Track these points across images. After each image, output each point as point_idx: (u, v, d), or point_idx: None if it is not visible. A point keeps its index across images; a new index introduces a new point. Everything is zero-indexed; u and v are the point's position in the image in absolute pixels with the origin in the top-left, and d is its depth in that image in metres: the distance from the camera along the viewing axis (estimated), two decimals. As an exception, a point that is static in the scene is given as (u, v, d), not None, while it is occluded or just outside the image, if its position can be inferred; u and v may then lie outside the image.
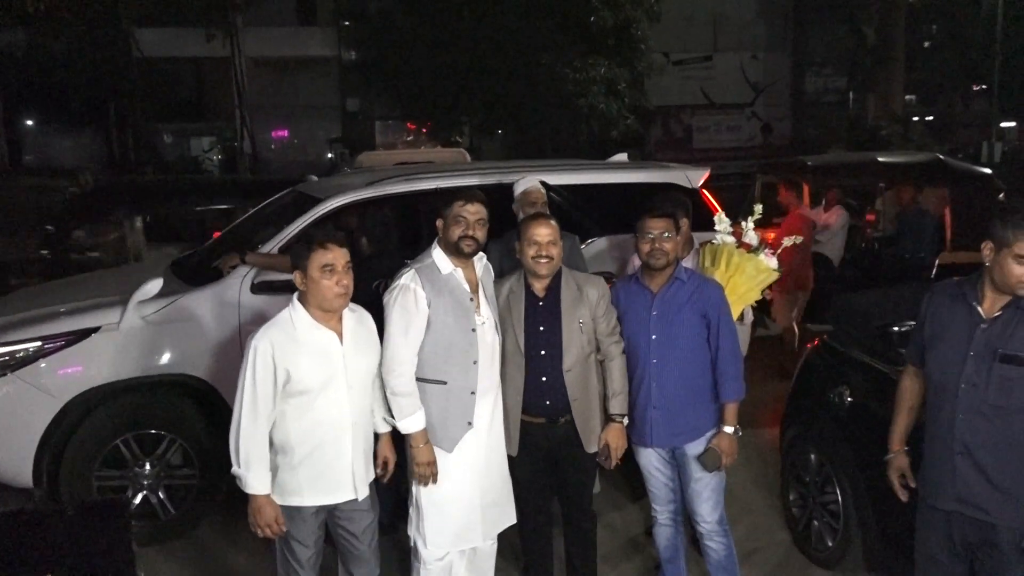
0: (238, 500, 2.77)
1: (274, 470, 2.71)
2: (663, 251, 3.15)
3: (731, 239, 3.68)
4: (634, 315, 3.21)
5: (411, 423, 2.93)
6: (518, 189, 4.07)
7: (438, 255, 3.04)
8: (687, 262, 3.66)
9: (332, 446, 2.75)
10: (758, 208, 3.76)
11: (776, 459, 4.25)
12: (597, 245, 4.53)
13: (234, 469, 2.67)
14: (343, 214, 4.24)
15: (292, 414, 2.70)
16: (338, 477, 2.78)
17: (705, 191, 4.85)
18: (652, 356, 3.17)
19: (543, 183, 4.11)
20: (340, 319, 2.77)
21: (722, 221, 3.75)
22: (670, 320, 3.16)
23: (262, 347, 2.62)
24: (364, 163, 9.68)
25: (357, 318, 2.84)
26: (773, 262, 3.66)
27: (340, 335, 2.75)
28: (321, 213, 4.25)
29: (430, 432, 2.98)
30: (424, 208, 4.35)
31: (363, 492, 2.84)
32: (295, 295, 2.75)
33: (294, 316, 2.71)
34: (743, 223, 3.72)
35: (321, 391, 2.69)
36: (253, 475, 2.64)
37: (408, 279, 2.96)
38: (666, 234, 3.16)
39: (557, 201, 4.51)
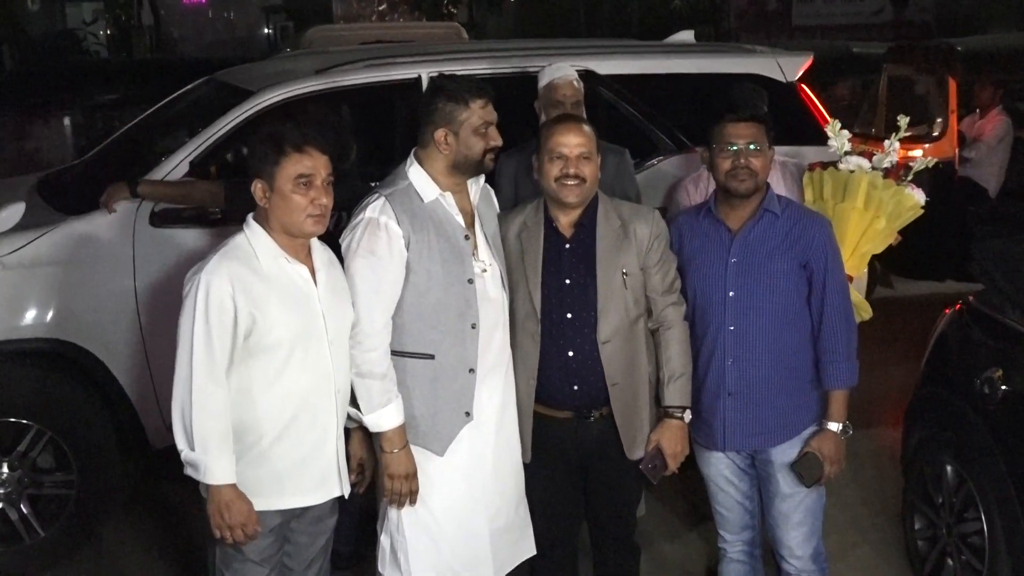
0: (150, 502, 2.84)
1: None
2: (750, 170, 3.16)
3: (865, 162, 3.69)
4: (703, 263, 3.24)
5: (384, 417, 2.96)
6: (543, 80, 4.07)
7: (417, 175, 3.05)
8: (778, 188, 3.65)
9: (313, 423, 2.86)
10: (904, 120, 3.76)
11: (896, 471, 4.25)
12: (661, 169, 4.55)
13: (185, 454, 2.72)
14: (281, 115, 4.23)
15: (257, 380, 2.78)
16: (323, 467, 2.90)
17: (806, 87, 4.83)
18: (728, 322, 3.20)
19: (589, 74, 4.11)
20: (309, 252, 2.89)
21: (839, 134, 3.75)
22: (755, 270, 3.18)
23: (217, 284, 2.70)
24: (315, 42, 9.63)
25: (327, 253, 2.96)
26: (919, 195, 3.69)
27: (312, 272, 2.87)
28: (248, 113, 4.25)
29: (411, 429, 3.02)
30: (402, 109, 4.30)
31: (348, 488, 2.96)
32: (250, 216, 2.85)
33: (254, 242, 2.80)
34: (886, 140, 3.74)
35: (295, 347, 2.80)
36: (215, 459, 2.70)
37: (376, 210, 2.97)
38: (754, 145, 3.17)
39: (608, 100, 4.48)
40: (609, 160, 3.67)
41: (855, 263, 3.73)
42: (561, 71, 4.04)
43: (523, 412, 3.18)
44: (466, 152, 3.00)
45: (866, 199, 3.63)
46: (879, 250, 3.79)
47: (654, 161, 4.57)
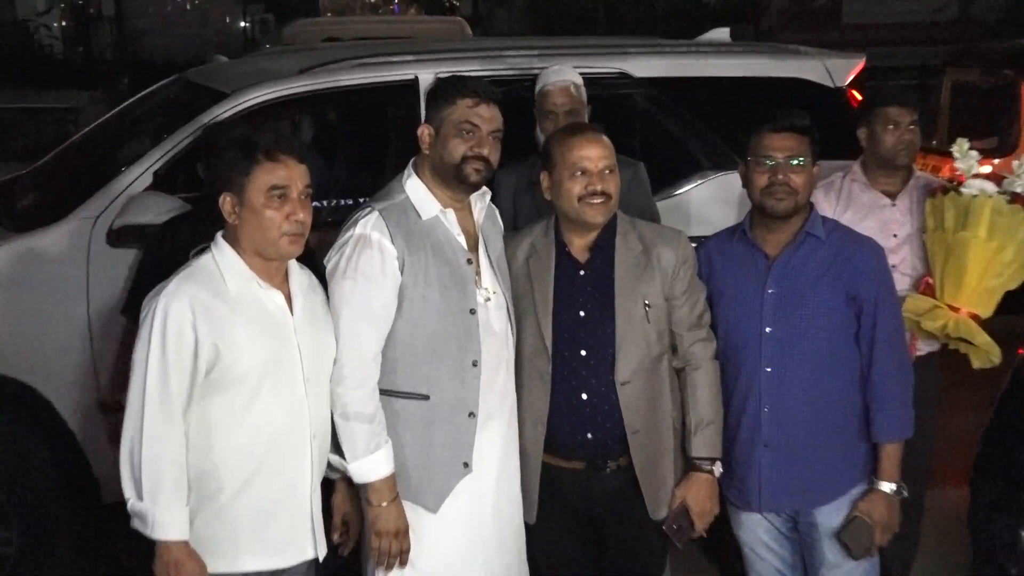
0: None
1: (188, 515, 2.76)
2: (789, 187, 3.19)
3: (990, 185, 3.67)
4: (736, 293, 3.26)
5: (371, 465, 2.96)
6: (537, 85, 4.11)
7: (415, 187, 3.08)
8: (823, 207, 3.69)
9: (280, 470, 2.84)
10: (963, 144, 3.78)
11: (962, 537, 4.19)
12: (701, 191, 4.57)
13: (132, 504, 2.70)
14: (259, 120, 4.26)
15: (219, 420, 2.77)
16: (293, 524, 2.87)
17: (857, 93, 4.86)
18: (764, 362, 3.21)
19: (623, 77, 4.06)
20: (286, 276, 2.90)
21: (967, 155, 3.75)
22: (796, 303, 3.20)
23: (176, 310, 2.69)
24: (298, 37, 9.71)
25: (308, 278, 2.98)
26: None
27: (288, 298, 2.88)
28: (223, 116, 4.28)
29: (402, 481, 3.02)
30: (395, 112, 4.33)
31: (324, 549, 2.94)
32: (219, 234, 2.85)
33: (222, 264, 2.81)
34: (1014, 161, 3.74)
35: (264, 382, 2.79)
36: (165, 511, 2.67)
37: (368, 225, 3.00)
38: (797, 160, 3.20)
39: (644, 108, 4.49)
40: (623, 174, 3.73)
41: (981, 300, 3.72)
42: (557, 75, 4.07)
43: (529, 463, 3.20)
44: (442, 152, 3.03)
45: (989, 227, 3.62)
46: (1013, 285, 3.75)
47: (696, 182, 4.59)
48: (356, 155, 4.18)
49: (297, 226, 2.78)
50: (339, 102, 4.49)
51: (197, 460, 2.74)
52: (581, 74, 4.12)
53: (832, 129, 3.95)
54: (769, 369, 3.20)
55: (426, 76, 4.34)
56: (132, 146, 4.83)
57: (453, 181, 3.04)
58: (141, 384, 2.68)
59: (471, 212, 3.15)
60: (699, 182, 4.60)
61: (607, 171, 3.13)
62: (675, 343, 3.21)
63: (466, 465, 3.05)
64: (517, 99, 3.95)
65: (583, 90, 4.06)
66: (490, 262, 3.15)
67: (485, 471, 3.08)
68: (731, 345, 3.25)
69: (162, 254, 3.58)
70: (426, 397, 3.02)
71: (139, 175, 4.20)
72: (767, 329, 3.20)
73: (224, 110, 4.27)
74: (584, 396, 3.13)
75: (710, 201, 4.52)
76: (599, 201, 3.11)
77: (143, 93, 5.31)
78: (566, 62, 4.21)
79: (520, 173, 3.94)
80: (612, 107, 4.15)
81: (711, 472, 3.19)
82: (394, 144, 4.38)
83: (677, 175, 4.58)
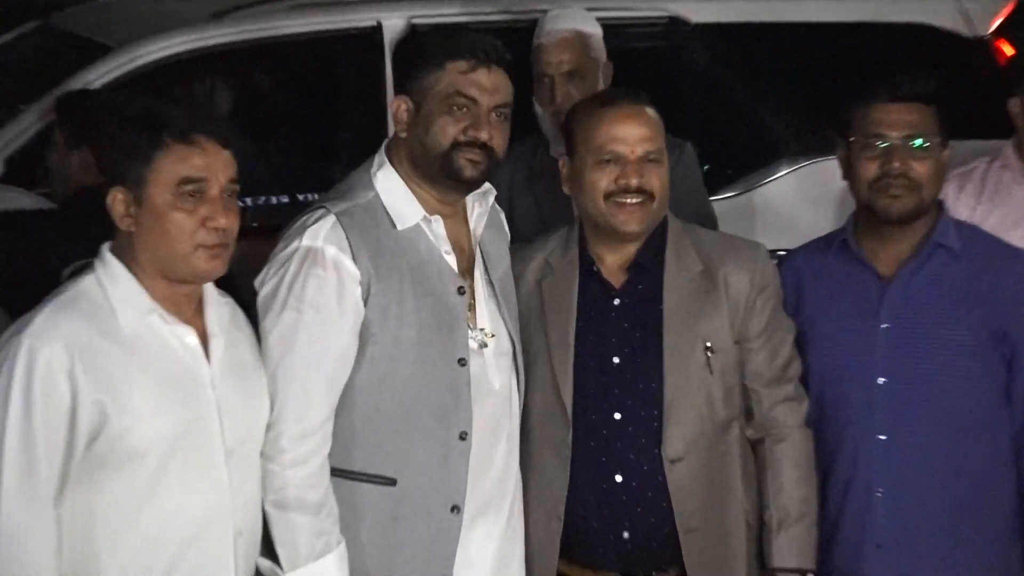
0: None
1: None
2: (909, 179, 3.22)
3: None
4: (835, 330, 3.31)
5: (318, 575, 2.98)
6: (536, 37, 4.15)
7: (389, 184, 3.11)
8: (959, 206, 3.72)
9: None
10: None
11: None
12: (785, 186, 4.62)
13: None
14: (156, 85, 4.31)
15: (107, 511, 2.75)
16: None
17: (1008, 45, 4.88)
18: (877, 426, 3.25)
19: (673, 23, 4.14)
20: (200, 306, 2.91)
21: None
22: (921, 343, 3.24)
23: (45, 356, 2.67)
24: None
25: (230, 310, 3.00)
26: None
27: (204, 338, 2.89)
28: (103, 82, 4.32)
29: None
30: (350, 73, 4.42)
31: None
32: (106, 247, 2.86)
33: (110, 289, 2.80)
34: None
35: (171, 459, 2.78)
36: None
37: (319, 235, 3.00)
38: (920, 141, 3.23)
39: (703, 68, 4.57)
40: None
41: None
42: (553, 22, 4.15)
43: (538, 574, 3.23)
44: (423, 137, 3.05)
45: None
46: None
47: (778, 172, 4.64)
48: (297, 134, 4.18)
49: (218, 235, 2.78)
50: (271, 60, 4.52)
51: (75, 566, 2.71)
52: (613, 19, 4.18)
53: (970, 97, 4.01)
54: (883, 437, 3.23)
55: (393, 23, 4.37)
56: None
57: (440, 177, 3.06)
58: None
59: (466, 220, 3.18)
60: (782, 172, 4.65)
61: (649, 159, 3.15)
62: (749, 404, 3.24)
63: (446, 582, 3.09)
64: (512, 57, 4.02)
65: (597, 42, 4.09)
66: (492, 291, 3.19)
67: (475, 592, 3.13)
68: (828, 405, 3.28)
69: (53, 265, 3.59)
70: (392, 481, 3.03)
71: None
72: (880, 380, 3.23)
73: (107, 71, 4.30)
74: (619, 479, 3.15)
75: (797, 199, 4.56)
76: (634, 201, 3.13)
77: None
78: (580, 1, 4.24)
79: (517, 161, 4.02)
80: (659, 67, 4.14)
81: (801, 586, 3.22)
82: (350, 119, 4.42)
83: (750, 162, 4.63)
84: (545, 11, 4.30)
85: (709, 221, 3.99)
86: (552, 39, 4.07)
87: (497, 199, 3.73)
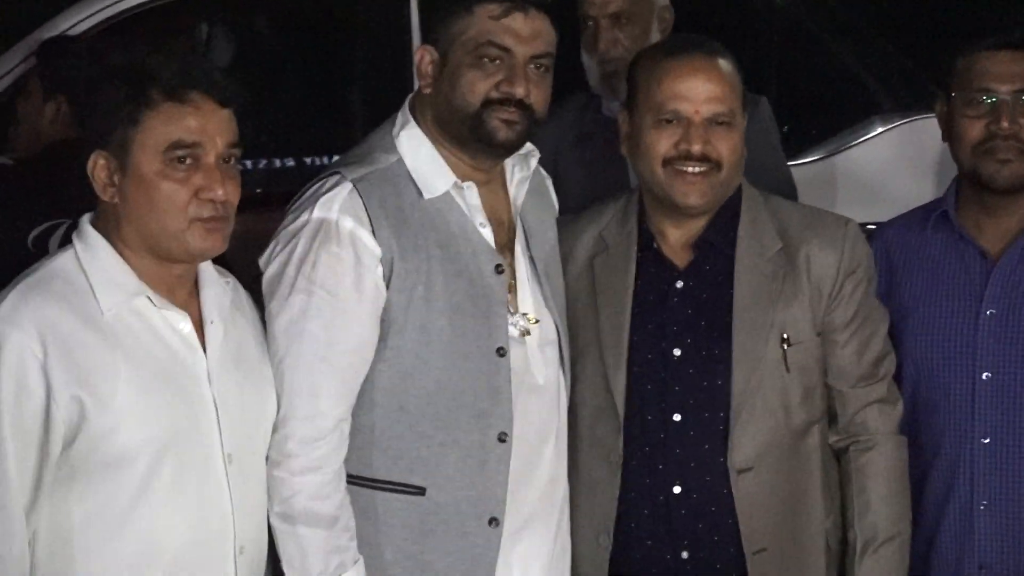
0: None
1: None
2: (1021, 141, 3.22)
3: None
4: (932, 316, 3.33)
5: None
6: None
7: (414, 145, 3.09)
8: None
9: None
10: None
11: None
12: (879, 148, 4.56)
13: None
14: (140, 34, 4.34)
15: (87, 522, 2.74)
16: None
17: None
18: (980, 428, 3.25)
19: None
20: (195, 289, 2.89)
21: None
22: None
23: (15, 344, 2.66)
24: None
25: (231, 292, 2.98)
26: None
27: (199, 326, 2.86)
28: (78, 27, 4.36)
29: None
30: (370, 19, 4.40)
31: None
32: (85, 219, 2.85)
33: (90, 268, 2.78)
34: None
35: (163, 464, 2.77)
36: None
37: (334, 205, 2.99)
38: None
39: (781, 12, 4.56)
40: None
41: None
42: None
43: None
44: (450, 94, 3.02)
45: None
46: None
47: (870, 131, 4.62)
48: (307, 90, 4.16)
49: (215, 208, 2.75)
50: (277, 2, 4.48)
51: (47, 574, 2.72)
52: None
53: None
54: (987, 440, 3.22)
55: None
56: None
57: (471, 140, 3.03)
58: None
59: (504, 187, 3.16)
60: (875, 132, 4.64)
61: (718, 122, 3.10)
62: (833, 406, 3.20)
63: (481, 603, 3.05)
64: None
65: None
66: (534, 269, 3.17)
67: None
68: (923, 404, 3.28)
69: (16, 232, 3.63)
70: (421, 491, 3.02)
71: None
72: (984, 375, 3.22)
73: (81, 17, 4.33)
74: (677, 490, 3.13)
75: (893, 164, 4.55)
76: (697, 170, 3.09)
77: None
78: None
79: (563, 123, 4.01)
80: (730, 9, 4.11)
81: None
82: (368, 72, 4.43)
83: (837, 121, 4.63)
84: None
85: (787, 190, 3.94)
86: None
87: (542, 164, 3.71)
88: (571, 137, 3.88)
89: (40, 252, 3.01)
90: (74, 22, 4.31)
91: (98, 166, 2.74)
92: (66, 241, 2.99)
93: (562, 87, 3.72)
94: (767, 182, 3.63)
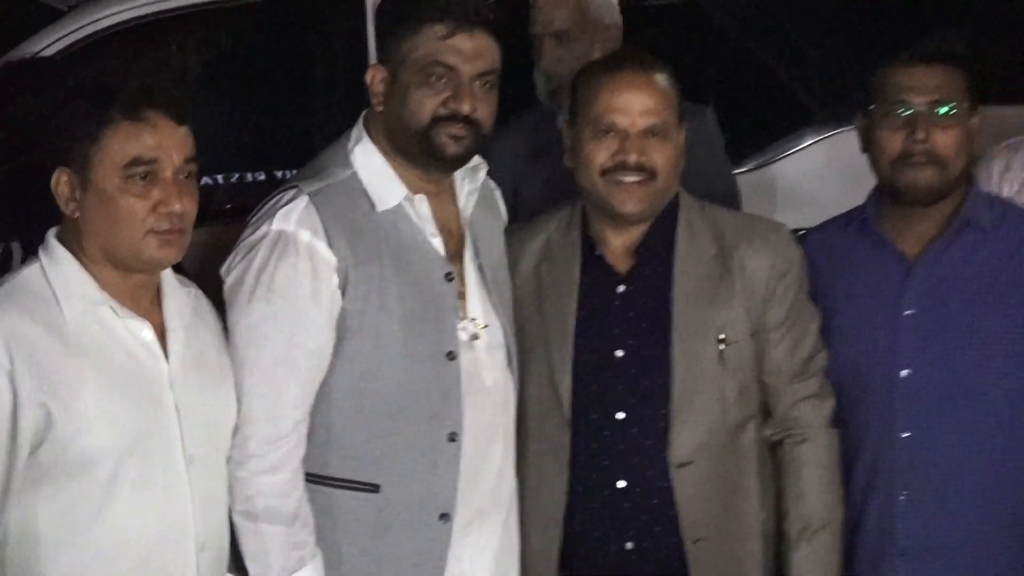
0: None
1: None
2: (933, 153, 3.20)
3: None
4: (855, 316, 3.33)
5: None
6: None
7: (368, 159, 3.12)
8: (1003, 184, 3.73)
9: None
10: None
11: None
12: (811, 158, 4.62)
13: None
14: (111, 53, 4.33)
15: (53, 526, 2.76)
16: None
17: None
18: (900, 423, 3.27)
19: None
20: (157, 297, 2.90)
21: None
22: (950, 330, 3.25)
23: None
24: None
25: (192, 300, 3.00)
26: None
27: (161, 333, 2.87)
28: (52, 48, 4.36)
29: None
30: (328, 37, 4.43)
31: None
32: (51, 233, 2.86)
33: (55, 279, 2.79)
34: None
35: (126, 467, 2.78)
36: None
37: (291, 218, 3.02)
38: (946, 107, 3.23)
39: (717, 24, 4.59)
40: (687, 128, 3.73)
41: None
42: None
43: (535, 588, 3.24)
44: (401, 110, 3.04)
45: None
46: None
47: (802, 141, 4.66)
48: (267, 106, 4.18)
49: (172, 221, 2.77)
50: (241, 24, 4.51)
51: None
52: None
53: (1013, 55, 3.99)
54: (907, 434, 3.24)
55: None
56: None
57: (420, 155, 3.06)
58: None
59: (454, 199, 3.19)
60: (807, 143, 4.65)
61: (654, 132, 3.13)
62: (768, 401, 3.25)
63: (434, 599, 3.08)
64: (512, 18, 3.92)
65: (607, 4, 4.09)
66: (482, 277, 3.19)
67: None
68: (847, 399, 3.28)
69: None
70: (375, 488, 3.05)
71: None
72: (904, 372, 3.24)
73: (56, 38, 4.33)
74: (622, 484, 3.17)
75: (825, 172, 4.56)
76: (633, 180, 3.12)
77: None
78: None
79: (520, 134, 4.00)
80: (670, 23, 4.11)
81: (818, 603, 3.22)
82: (327, 88, 4.43)
83: (771, 131, 4.63)
84: None
85: (732, 198, 3.98)
86: None
87: (501, 178, 3.68)
88: (528, 150, 3.87)
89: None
90: (45, 44, 4.30)
91: (61, 182, 2.75)
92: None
93: (519, 101, 3.80)
94: (712, 190, 3.67)
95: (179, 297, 2.93)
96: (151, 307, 2.87)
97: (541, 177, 3.62)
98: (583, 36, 4.02)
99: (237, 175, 4.53)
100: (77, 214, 2.77)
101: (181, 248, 2.81)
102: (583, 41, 3.99)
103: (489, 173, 3.39)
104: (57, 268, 2.78)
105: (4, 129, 3.89)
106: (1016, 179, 3.80)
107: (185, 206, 2.77)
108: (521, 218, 3.53)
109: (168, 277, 2.91)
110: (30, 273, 2.80)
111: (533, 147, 3.85)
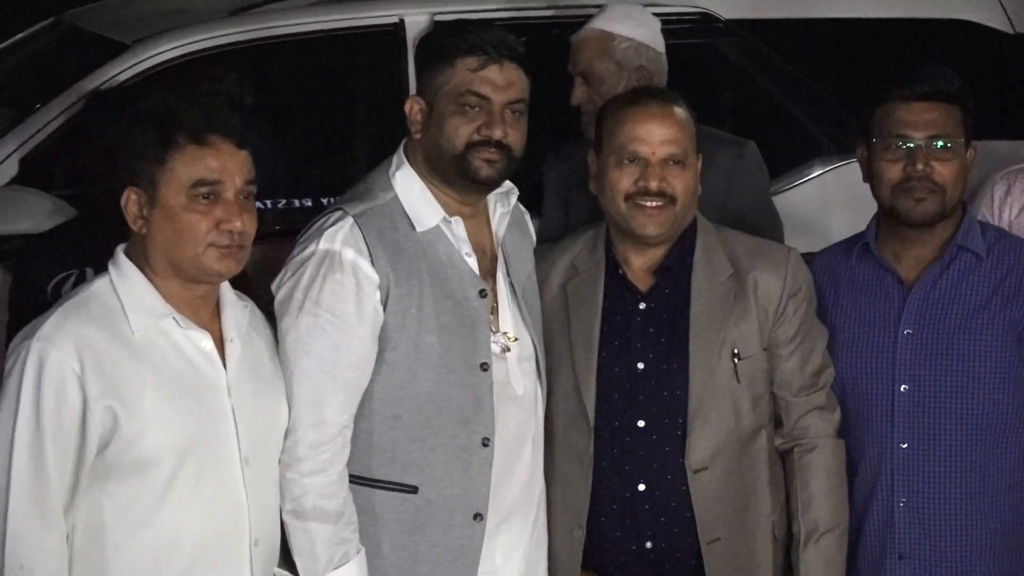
0: None
1: None
2: (933, 182, 3.27)
3: None
4: (857, 335, 3.38)
5: None
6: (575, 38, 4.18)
7: (408, 184, 3.18)
8: (1004, 209, 3.86)
9: None
10: None
11: None
12: (820, 187, 4.65)
13: None
14: (172, 83, 4.39)
15: (118, 519, 2.81)
16: None
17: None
18: (899, 435, 3.34)
19: (705, 19, 4.21)
20: (217, 310, 2.96)
21: None
22: (945, 349, 3.31)
23: (56, 360, 2.73)
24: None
25: (248, 313, 3.05)
26: None
27: (220, 343, 2.94)
28: (117, 81, 4.43)
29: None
30: (372, 72, 4.51)
31: None
32: (120, 249, 2.92)
33: (123, 292, 2.85)
34: None
35: (186, 466, 2.84)
36: None
37: (337, 238, 3.07)
38: (943, 141, 3.29)
39: (738, 65, 4.65)
40: (719, 161, 3.73)
41: None
42: (593, 18, 4.13)
43: (562, 586, 3.32)
44: (438, 137, 3.10)
45: None
46: None
47: (811, 172, 4.71)
48: (315, 135, 4.26)
49: (232, 237, 2.82)
50: (290, 58, 4.60)
51: (85, 574, 2.79)
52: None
53: (1010, 95, 4.12)
54: (905, 445, 3.30)
55: (416, 19, 4.45)
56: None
57: (456, 178, 3.12)
58: (4, 466, 2.70)
59: (488, 221, 3.26)
60: (816, 173, 4.70)
61: (674, 161, 3.20)
62: (779, 412, 3.31)
63: (469, 592, 3.16)
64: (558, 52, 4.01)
65: (628, 46, 4.07)
66: (513, 293, 3.26)
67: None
68: (850, 412, 3.34)
69: (40, 281, 3.67)
70: (414, 489, 3.11)
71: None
72: (902, 388, 3.30)
73: (120, 69, 4.40)
74: (642, 488, 3.23)
75: (832, 200, 4.61)
76: (654, 205, 3.19)
77: (6, 43, 5.45)
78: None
79: (571, 162, 4.01)
80: (689, 63, 4.16)
81: (827, 601, 3.29)
82: (371, 119, 4.49)
83: (783, 162, 4.64)
84: (587, 8, 4.37)
85: (773, 231, 4.01)
86: (578, 37, 4.07)
87: (551, 200, 3.79)
88: (579, 177, 3.77)
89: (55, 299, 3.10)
90: (109, 76, 4.39)
91: (130, 200, 2.82)
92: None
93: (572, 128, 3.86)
94: (751, 223, 3.75)
95: (236, 310, 2.97)
96: (211, 319, 2.92)
97: (588, 200, 3.65)
98: (607, 78, 4.01)
99: (285, 202, 4.61)
100: (144, 230, 2.83)
101: (240, 262, 2.87)
102: (607, 81, 3.99)
103: (542, 197, 3.47)
104: (125, 281, 2.84)
105: (87, 157, 4.01)
106: (1017, 203, 3.88)
107: (245, 224, 2.83)
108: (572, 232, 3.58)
109: (226, 291, 2.97)
110: (100, 285, 2.86)
111: (581, 174, 3.90)
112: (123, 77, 4.42)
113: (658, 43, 4.13)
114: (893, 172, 3.29)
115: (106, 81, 4.40)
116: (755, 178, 4.12)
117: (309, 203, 4.55)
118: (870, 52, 4.82)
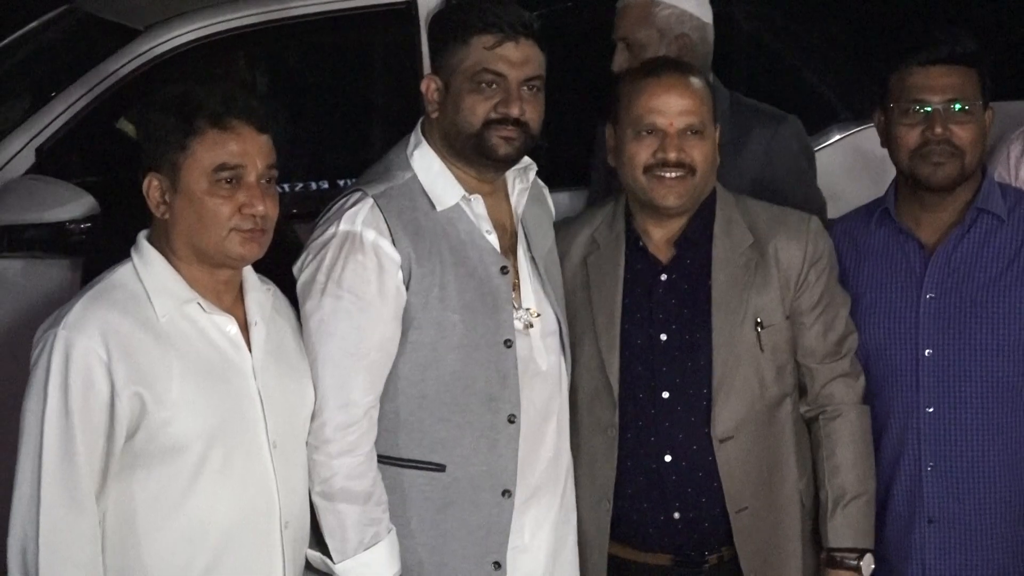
0: None
1: None
2: (952, 145, 3.26)
3: None
4: (878, 301, 3.38)
5: (368, 565, 3.06)
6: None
7: (426, 163, 3.18)
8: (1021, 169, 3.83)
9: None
10: None
11: None
12: (838, 153, 4.66)
13: None
14: (186, 69, 4.42)
15: (148, 505, 2.82)
16: None
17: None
18: (924, 399, 3.33)
19: None
20: (241, 291, 2.97)
21: None
22: (967, 312, 3.31)
23: (82, 347, 2.74)
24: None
25: (271, 296, 3.06)
26: None
27: (244, 327, 2.95)
28: (131, 67, 4.43)
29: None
30: (385, 52, 4.51)
31: None
32: (142, 235, 2.93)
33: (147, 278, 2.86)
34: None
35: (214, 450, 2.85)
36: None
37: (358, 219, 3.07)
38: (961, 104, 3.28)
39: (750, 33, 4.63)
40: (755, 136, 3.71)
41: None
42: None
43: (590, 557, 3.32)
44: (455, 116, 3.10)
45: None
46: None
47: (831, 139, 4.70)
48: (331, 117, 4.24)
49: (254, 221, 2.82)
50: (302, 39, 4.59)
51: (118, 561, 2.79)
52: None
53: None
54: (931, 409, 3.30)
55: None
56: (2, 110, 4.95)
57: (474, 156, 3.12)
58: (35, 454, 2.71)
59: (507, 196, 3.26)
60: (834, 139, 4.69)
61: (692, 131, 3.19)
62: (803, 380, 3.32)
63: (498, 566, 3.15)
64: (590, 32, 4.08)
65: (671, 15, 4.00)
66: (535, 269, 3.26)
67: (527, 573, 3.21)
68: (875, 378, 3.34)
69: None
70: (441, 467, 3.12)
71: (15, 152, 4.34)
72: (926, 352, 3.30)
73: (134, 55, 4.40)
74: (668, 459, 3.23)
75: (851, 167, 4.59)
76: (673, 175, 3.18)
77: (21, 32, 5.46)
78: None
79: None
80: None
81: (857, 570, 3.26)
82: (386, 100, 4.50)
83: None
84: None
85: (810, 205, 3.87)
86: (621, 2, 4.04)
87: (600, 177, 3.75)
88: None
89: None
90: (123, 63, 4.39)
91: (152, 186, 2.82)
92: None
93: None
94: (789, 198, 3.70)
95: (260, 294, 2.98)
96: (235, 303, 2.93)
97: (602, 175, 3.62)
98: (649, 44, 3.96)
99: (304, 184, 4.61)
100: (167, 216, 2.84)
101: (263, 246, 2.87)
102: (649, 49, 3.92)
103: (592, 172, 3.43)
104: (148, 268, 2.84)
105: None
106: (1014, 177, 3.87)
107: (267, 208, 2.84)
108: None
109: (249, 275, 2.97)
110: (123, 272, 2.86)
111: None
112: (136, 64, 4.43)
113: (704, 12, 4.09)
114: (911, 137, 3.28)
115: (119, 68, 4.41)
116: (791, 153, 4.08)
117: (325, 185, 4.54)
118: (889, 13, 4.78)
